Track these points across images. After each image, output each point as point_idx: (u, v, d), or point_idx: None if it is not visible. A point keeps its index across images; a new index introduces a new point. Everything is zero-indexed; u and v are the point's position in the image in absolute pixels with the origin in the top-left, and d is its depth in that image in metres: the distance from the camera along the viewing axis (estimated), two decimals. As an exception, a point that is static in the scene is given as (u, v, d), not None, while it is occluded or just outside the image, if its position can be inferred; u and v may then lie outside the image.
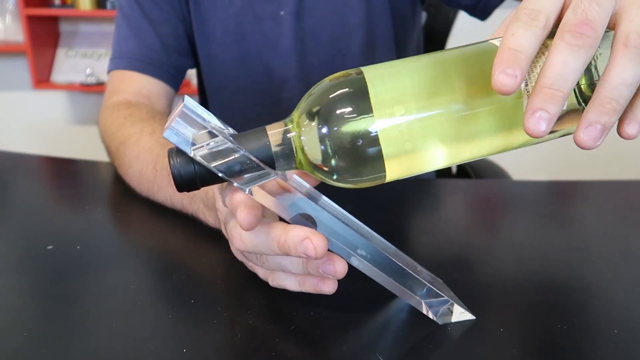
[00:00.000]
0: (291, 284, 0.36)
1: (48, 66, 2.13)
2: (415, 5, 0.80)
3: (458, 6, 0.77)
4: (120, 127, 0.62)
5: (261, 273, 0.39)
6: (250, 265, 0.40)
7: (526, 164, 1.26)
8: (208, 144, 0.30)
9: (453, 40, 1.00)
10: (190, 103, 0.30)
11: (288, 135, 0.32)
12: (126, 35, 0.74)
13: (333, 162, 0.31)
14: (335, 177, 0.32)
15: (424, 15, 0.97)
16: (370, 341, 0.34)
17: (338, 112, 0.30)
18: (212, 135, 0.30)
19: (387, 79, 0.31)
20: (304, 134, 0.31)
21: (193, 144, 0.30)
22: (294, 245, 0.32)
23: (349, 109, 0.30)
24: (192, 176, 0.31)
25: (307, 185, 0.35)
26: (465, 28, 1.00)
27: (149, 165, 0.54)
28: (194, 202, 0.49)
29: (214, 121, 0.31)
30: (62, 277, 0.41)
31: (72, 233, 0.50)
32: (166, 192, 0.52)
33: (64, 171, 0.72)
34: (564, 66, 0.28)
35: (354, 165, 0.31)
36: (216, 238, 0.45)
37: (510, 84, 0.27)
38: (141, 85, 0.72)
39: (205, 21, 0.74)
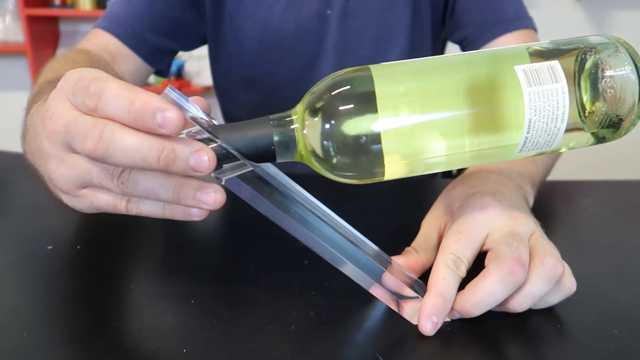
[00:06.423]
0: (154, 209, 0.33)
1: (48, 66, 2.13)
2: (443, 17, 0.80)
3: (447, 38, 0.78)
4: (48, 64, 0.58)
5: (110, 200, 0.33)
6: (91, 194, 0.34)
7: (526, 164, 1.26)
8: (189, 132, 0.30)
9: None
10: (172, 92, 0.30)
11: (291, 126, 0.32)
12: None
13: (334, 156, 0.31)
14: (334, 171, 0.32)
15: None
16: (370, 341, 0.34)
17: (343, 108, 0.31)
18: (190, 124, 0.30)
19: (393, 79, 0.31)
20: (307, 127, 0.31)
21: None
22: (185, 156, 0.28)
23: (355, 105, 0.30)
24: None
25: (287, 178, 0.35)
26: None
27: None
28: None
29: (194, 111, 0.31)
30: (62, 277, 0.41)
31: (72, 233, 0.50)
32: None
33: (64, 171, 0.71)
34: (492, 296, 0.34)
35: (354, 161, 0.31)
36: (217, 238, 0.45)
37: (431, 331, 0.33)
38: (111, 44, 0.68)
39: (245, 17, 0.73)
